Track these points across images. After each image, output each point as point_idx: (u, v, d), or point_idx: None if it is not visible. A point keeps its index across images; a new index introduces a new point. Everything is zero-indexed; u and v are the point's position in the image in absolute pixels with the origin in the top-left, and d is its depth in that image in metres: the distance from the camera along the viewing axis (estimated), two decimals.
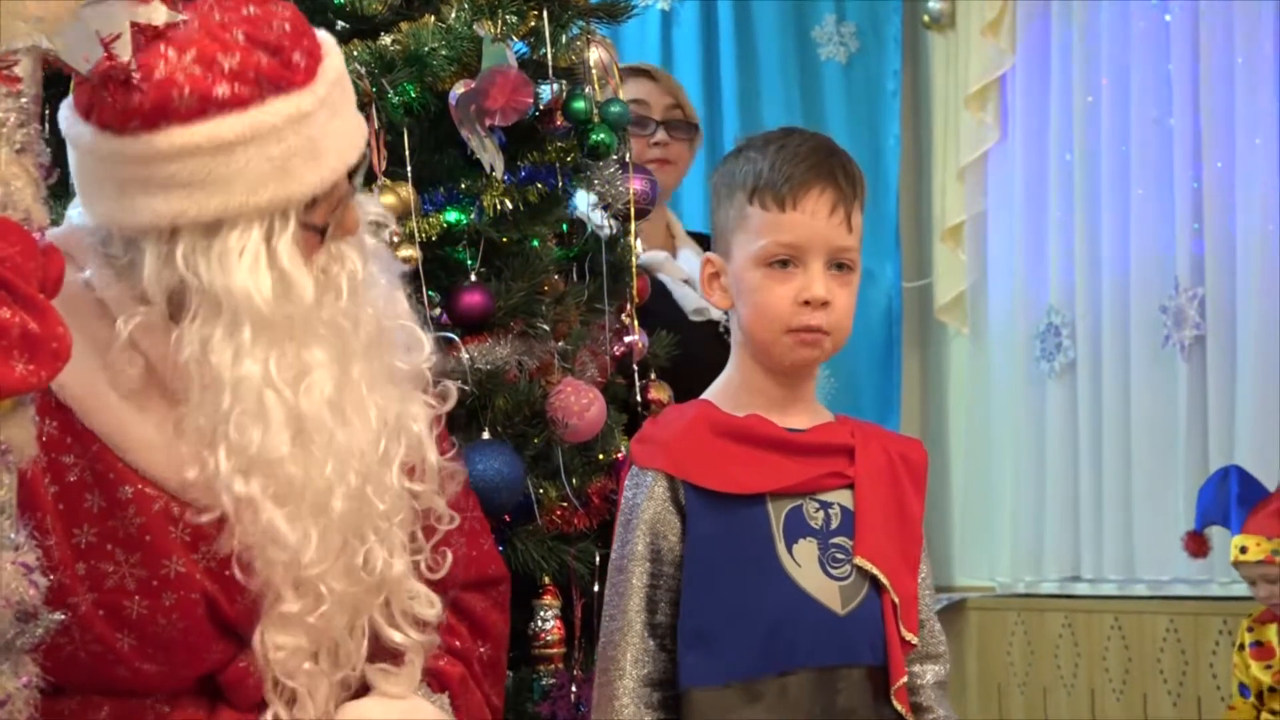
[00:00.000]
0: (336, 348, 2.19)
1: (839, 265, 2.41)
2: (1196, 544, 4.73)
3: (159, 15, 2.01)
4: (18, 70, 1.82)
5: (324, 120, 2.16)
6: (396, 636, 2.28)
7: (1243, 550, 4.56)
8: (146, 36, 2.00)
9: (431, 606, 2.30)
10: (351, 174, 2.23)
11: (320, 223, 2.18)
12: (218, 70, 2.07)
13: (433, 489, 2.32)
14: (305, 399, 2.15)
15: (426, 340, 2.35)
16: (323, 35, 2.23)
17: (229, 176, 2.10)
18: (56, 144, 2.14)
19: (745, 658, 2.34)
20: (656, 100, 4.12)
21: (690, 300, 3.94)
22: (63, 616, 1.94)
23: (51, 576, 1.98)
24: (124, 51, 1.91)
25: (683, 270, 4.01)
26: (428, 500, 2.32)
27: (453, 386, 2.39)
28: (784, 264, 2.39)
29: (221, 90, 2.08)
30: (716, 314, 3.90)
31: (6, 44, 1.81)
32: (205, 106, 2.07)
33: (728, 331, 3.88)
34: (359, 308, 2.23)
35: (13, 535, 1.83)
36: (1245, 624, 4.68)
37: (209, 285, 2.12)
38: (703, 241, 4.12)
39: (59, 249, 1.90)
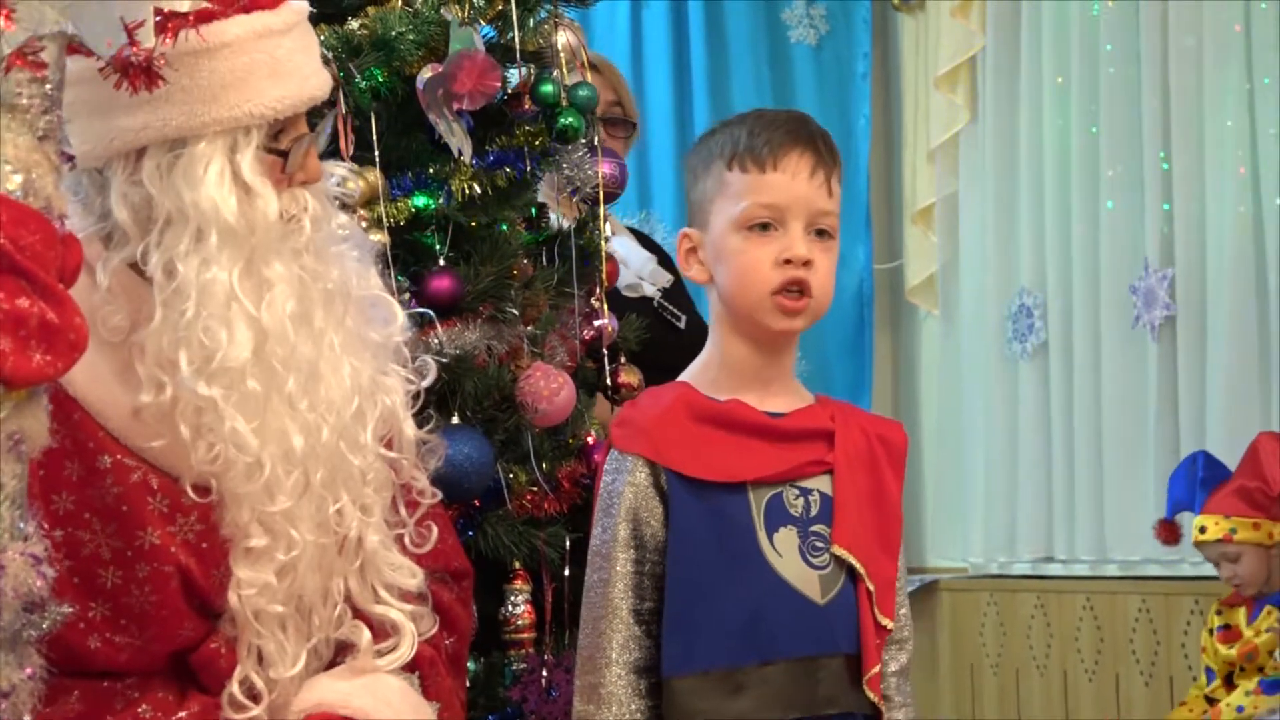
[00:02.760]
0: (298, 279, 2.21)
1: (819, 231, 2.40)
2: (1168, 531, 4.75)
3: (183, 0, 2.02)
4: (43, 56, 1.81)
5: (288, 46, 2.20)
6: (380, 610, 2.29)
7: (1202, 530, 4.59)
8: (171, 22, 2.00)
9: (413, 577, 2.31)
10: (312, 124, 2.26)
11: (285, 148, 2.21)
12: None
13: (411, 461, 2.32)
14: (267, 312, 2.17)
15: (400, 314, 2.37)
16: None
17: (190, 88, 2.14)
18: None
19: (725, 647, 2.33)
20: (598, 96, 4.10)
21: (623, 278, 3.94)
22: (71, 609, 1.93)
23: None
24: (147, 38, 1.91)
25: (617, 251, 4.02)
26: (407, 473, 2.32)
27: (431, 362, 2.41)
28: (764, 227, 2.38)
29: (186, 6, 2.11)
30: (649, 290, 3.91)
31: (34, 30, 1.80)
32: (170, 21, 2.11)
33: (662, 307, 3.89)
34: (323, 263, 2.24)
35: (22, 525, 1.82)
36: (1215, 607, 4.70)
37: (175, 199, 2.16)
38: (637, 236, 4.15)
39: (77, 238, 1.89)
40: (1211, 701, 4.61)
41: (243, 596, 2.19)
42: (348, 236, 2.35)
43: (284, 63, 2.19)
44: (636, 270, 3.97)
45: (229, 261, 2.15)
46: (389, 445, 2.31)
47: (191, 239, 2.15)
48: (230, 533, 2.19)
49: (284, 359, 2.18)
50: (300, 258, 2.22)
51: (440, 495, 2.41)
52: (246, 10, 2.17)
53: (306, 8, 2.27)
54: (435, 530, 2.37)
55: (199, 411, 2.15)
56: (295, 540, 2.19)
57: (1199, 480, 4.63)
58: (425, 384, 2.40)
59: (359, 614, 2.30)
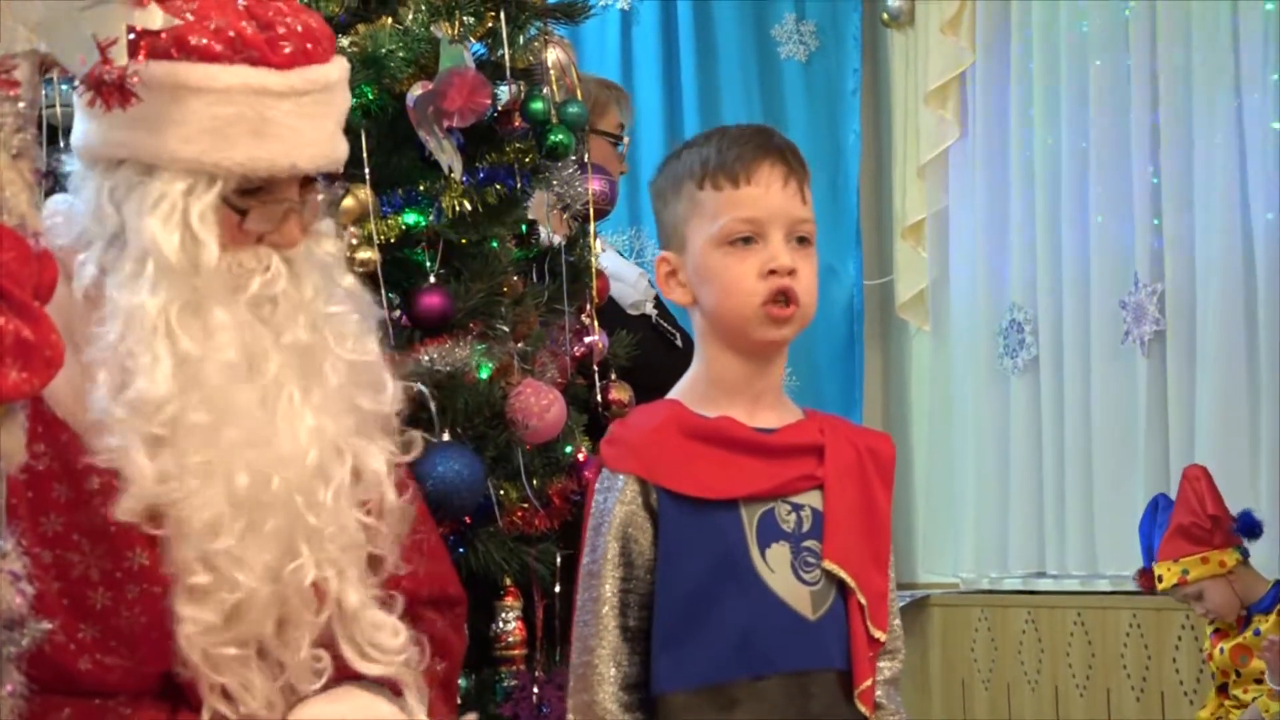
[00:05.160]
0: (248, 328, 2.18)
1: (799, 239, 2.40)
2: (1146, 580, 4.77)
3: (155, 20, 2.01)
4: (16, 74, 1.81)
5: (285, 110, 2.16)
6: (368, 668, 2.27)
7: (1160, 579, 4.63)
8: (143, 40, 2.00)
9: (396, 636, 2.28)
10: (306, 189, 2.22)
11: (247, 207, 2.18)
12: (204, 23, 2.11)
13: (389, 529, 2.29)
14: (201, 353, 2.13)
15: (391, 384, 2.32)
16: (339, 58, 2.24)
17: (170, 121, 2.12)
18: (52, 149, 2.15)
19: (718, 663, 2.32)
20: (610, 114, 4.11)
21: (626, 295, 3.95)
22: (50, 626, 1.93)
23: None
24: (119, 56, 1.91)
25: (608, 267, 4.03)
26: (383, 542, 2.29)
27: (418, 437, 2.35)
28: (746, 241, 2.38)
29: (196, 39, 2.11)
30: (649, 307, 3.93)
31: (6, 48, 1.80)
32: (177, 49, 2.10)
33: (659, 325, 3.90)
34: (292, 319, 2.21)
35: (1, 542, 1.82)
36: (1206, 618, 4.72)
37: (124, 220, 2.15)
38: None
39: (52, 255, 1.89)
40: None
41: (188, 635, 2.16)
42: (343, 301, 2.29)
43: (274, 124, 2.15)
44: (631, 284, 3.98)
45: (165, 294, 2.13)
46: (369, 511, 2.27)
47: (133, 264, 2.14)
48: (173, 570, 2.16)
49: (218, 403, 2.14)
50: (253, 309, 2.18)
51: (404, 568, 2.34)
52: (252, 63, 2.14)
53: (332, 78, 2.22)
54: (400, 600, 2.33)
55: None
56: (240, 583, 2.17)
57: (1158, 525, 4.68)
58: (409, 458, 2.33)
59: (347, 672, 2.28)
